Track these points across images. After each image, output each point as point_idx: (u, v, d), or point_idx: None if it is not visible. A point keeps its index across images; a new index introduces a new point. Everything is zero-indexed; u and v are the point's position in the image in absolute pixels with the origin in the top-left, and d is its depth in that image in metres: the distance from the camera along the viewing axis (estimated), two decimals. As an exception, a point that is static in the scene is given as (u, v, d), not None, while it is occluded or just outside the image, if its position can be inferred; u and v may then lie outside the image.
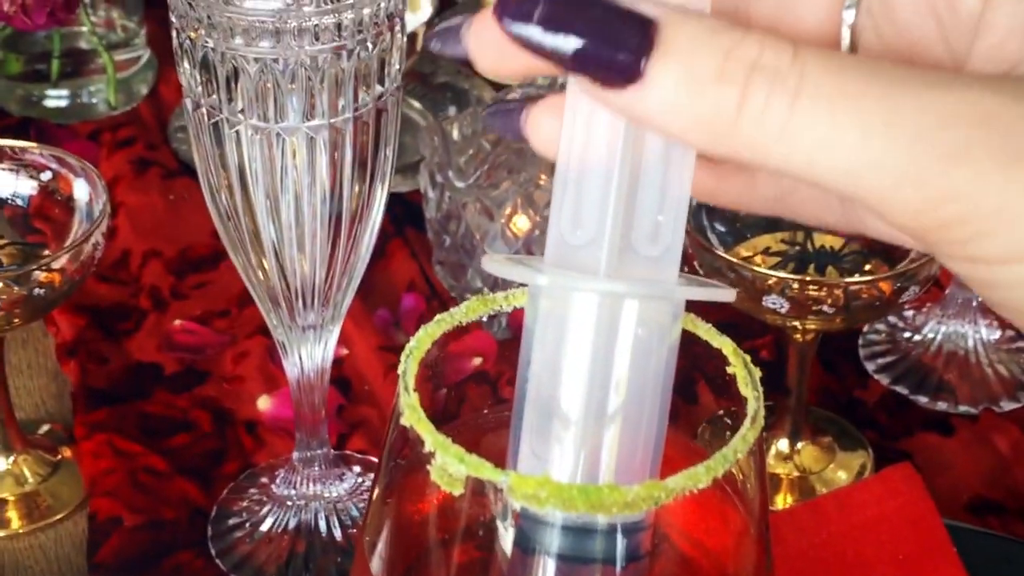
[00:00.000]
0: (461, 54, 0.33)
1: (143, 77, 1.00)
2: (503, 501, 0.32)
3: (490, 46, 0.32)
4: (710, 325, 0.35)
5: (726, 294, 0.31)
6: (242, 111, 0.55)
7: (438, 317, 0.35)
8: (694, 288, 0.31)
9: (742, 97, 0.28)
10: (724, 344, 0.34)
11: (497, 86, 0.97)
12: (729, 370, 0.34)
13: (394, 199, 0.89)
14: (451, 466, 0.31)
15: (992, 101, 0.29)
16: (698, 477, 0.31)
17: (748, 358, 0.34)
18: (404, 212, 0.89)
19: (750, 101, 0.29)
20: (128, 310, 0.81)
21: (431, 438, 0.31)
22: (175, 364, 0.78)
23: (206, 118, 0.56)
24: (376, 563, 0.35)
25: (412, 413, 0.32)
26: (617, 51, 0.28)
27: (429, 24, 0.96)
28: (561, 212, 0.31)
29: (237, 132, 0.56)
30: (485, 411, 0.38)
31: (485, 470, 0.31)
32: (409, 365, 0.34)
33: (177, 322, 0.80)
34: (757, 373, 0.34)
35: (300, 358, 0.64)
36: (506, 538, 0.32)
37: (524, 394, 0.32)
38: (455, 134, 0.82)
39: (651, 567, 0.34)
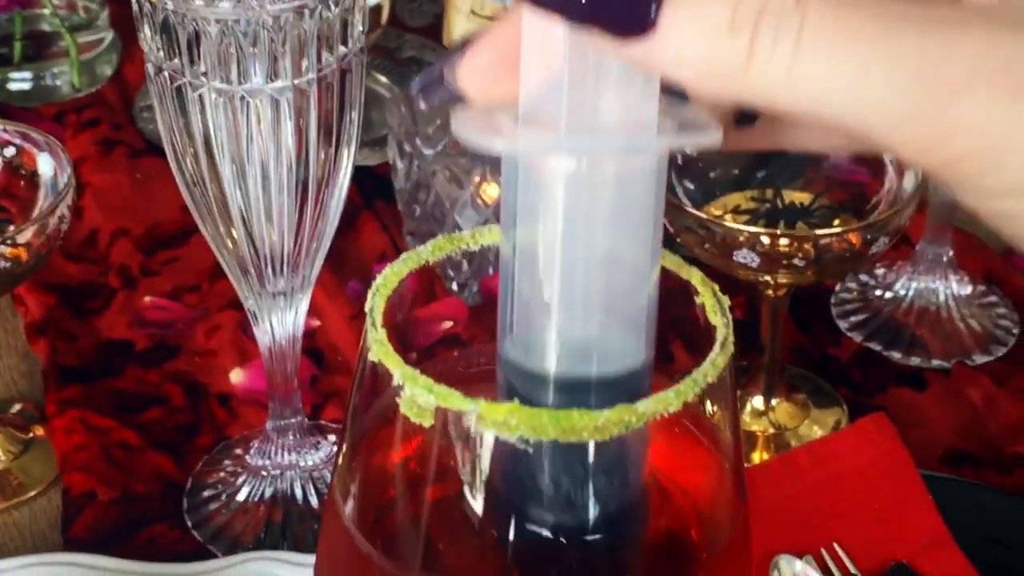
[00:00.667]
0: (451, 97, 0.33)
1: (107, 59, 1.00)
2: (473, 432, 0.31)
3: (477, 76, 0.32)
4: (677, 256, 0.35)
5: (710, 136, 0.30)
6: (204, 74, 0.55)
7: (404, 255, 0.35)
8: (673, 137, 0.30)
9: (751, 44, 0.28)
10: (692, 274, 0.34)
11: (463, 57, 0.97)
12: (698, 300, 0.34)
13: (362, 172, 0.88)
14: (420, 397, 0.31)
15: (991, 31, 0.29)
16: (668, 401, 0.31)
17: (716, 287, 0.34)
18: (373, 185, 0.88)
19: (758, 47, 0.28)
20: (97, 288, 0.81)
21: (400, 371, 0.31)
22: (146, 340, 0.77)
23: (169, 83, 0.56)
24: (348, 510, 0.35)
25: (380, 347, 0.32)
26: (630, 2, 0.28)
27: (391, 2, 0.95)
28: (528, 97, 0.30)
29: (200, 96, 0.56)
30: (455, 354, 0.38)
31: (454, 399, 0.30)
32: (376, 302, 0.34)
33: (147, 298, 0.80)
34: (726, 301, 0.34)
35: (271, 326, 0.63)
36: (478, 470, 0.32)
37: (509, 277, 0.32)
38: (422, 105, 0.82)
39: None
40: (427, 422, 0.31)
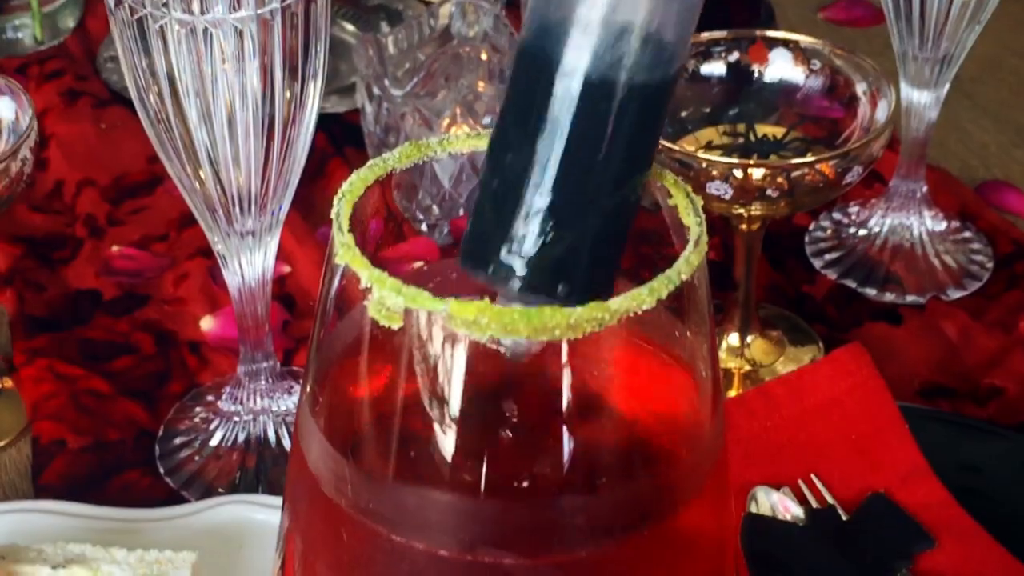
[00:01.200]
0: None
1: (69, 12, 0.98)
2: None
3: None
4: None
5: None
6: (166, 5, 0.54)
7: (371, 162, 0.34)
8: None
9: None
10: (664, 177, 0.34)
11: (428, 4, 0.96)
12: (671, 202, 0.33)
13: (331, 119, 0.87)
14: (389, 299, 0.30)
15: None
16: (642, 298, 0.30)
17: (689, 188, 0.33)
18: (343, 132, 0.87)
19: None
20: (64, 239, 0.80)
21: (367, 272, 0.30)
22: (114, 289, 0.76)
23: (129, 16, 0.55)
24: (321, 424, 0.34)
25: (347, 251, 0.31)
26: None
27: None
28: None
29: (162, 29, 0.55)
30: (424, 267, 0.37)
31: (423, 300, 0.30)
32: (342, 207, 0.33)
33: (115, 248, 0.79)
34: (699, 201, 0.33)
35: (240, 267, 0.63)
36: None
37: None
38: (391, 48, 0.81)
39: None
40: (396, 324, 0.30)
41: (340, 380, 0.34)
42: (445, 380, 0.31)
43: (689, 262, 0.31)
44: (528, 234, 0.30)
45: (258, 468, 0.66)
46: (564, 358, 0.31)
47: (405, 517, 0.31)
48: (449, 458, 0.31)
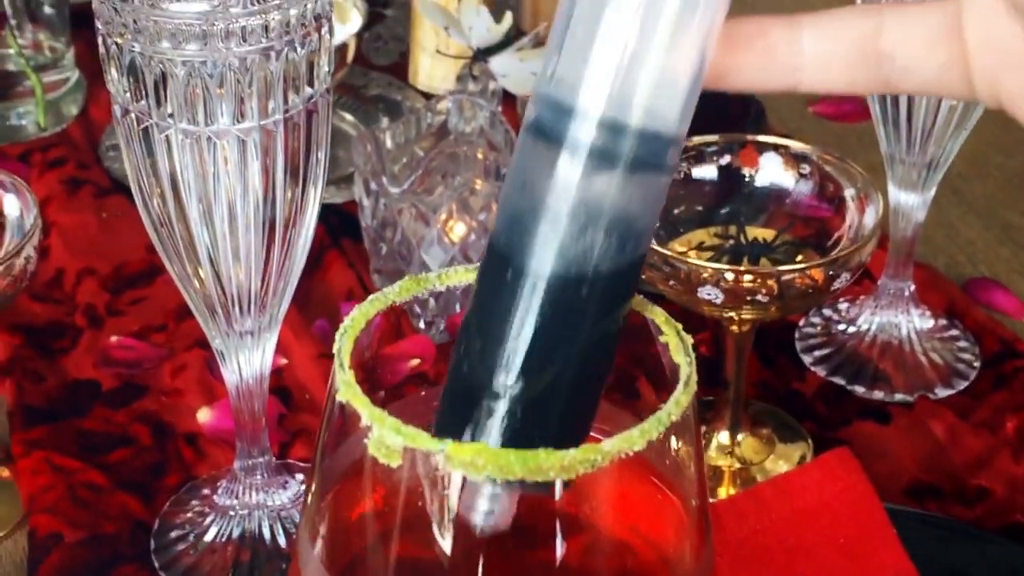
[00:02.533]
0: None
1: (72, 98, 1.00)
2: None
3: None
4: (640, 296, 0.35)
5: None
6: (171, 115, 0.55)
7: (371, 297, 0.36)
8: None
9: None
10: (656, 313, 0.35)
11: (428, 96, 0.97)
12: (661, 339, 0.34)
13: (329, 210, 0.89)
14: (388, 438, 0.31)
15: None
16: (632, 440, 0.31)
17: (680, 326, 0.34)
18: (340, 223, 0.89)
19: None
20: (64, 328, 0.81)
21: (367, 411, 0.31)
22: (113, 380, 0.77)
23: (135, 124, 0.56)
24: (317, 551, 0.35)
25: (348, 389, 0.32)
26: None
27: (359, 35, 0.96)
28: None
29: (167, 137, 0.56)
30: (423, 393, 0.38)
31: (422, 440, 0.31)
32: (344, 343, 0.34)
33: (114, 338, 0.80)
34: (689, 340, 0.34)
35: (239, 365, 0.64)
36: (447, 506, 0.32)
37: None
38: (388, 143, 0.83)
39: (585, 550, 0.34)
40: (395, 463, 0.31)
41: (338, 508, 0.35)
42: (442, 516, 0.32)
43: (679, 403, 0.32)
44: (495, 422, 0.31)
45: (252, 564, 0.66)
46: (559, 492, 0.32)
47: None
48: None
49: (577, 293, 0.30)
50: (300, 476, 0.70)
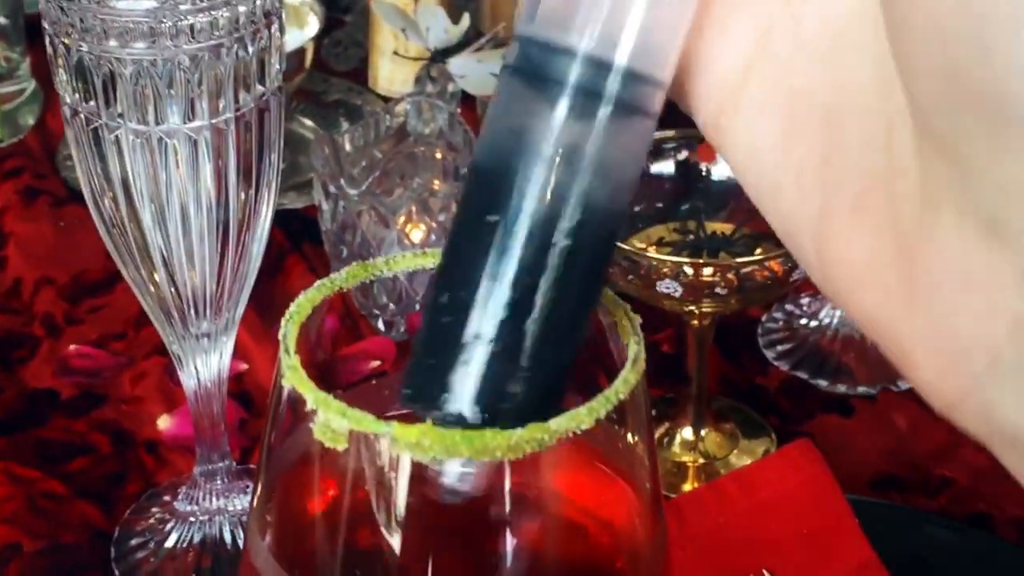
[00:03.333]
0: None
1: (29, 108, 0.99)
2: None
3: None
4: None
5: None
6: (121, 115, 0.55)
7: (318, 283, 0.35)
8: None
9: None
10: (603, 295, 0.34)
11: (388, 100, 0.97)
12: (608, 318, 0.34)
13: (289, 215, 0.88)
14: (334, 422, 0.31)
15: None
16: (580, 418, 0.31)
17: (628, 306, 0.34)
18: (300, 227, 0.88)
19: None
20: (22, 338, 0.80)
21: (312, 395, 0.31)
22: (72, 389, 0.76)
23: (85, 125, 0.56)
24: (267, 543, 0.35)
25: (293, 373, 0.32)
26: None
27: (317, 40, 0.96)
28: None
29: (117, 138, 0.55)
30: (373, 382, 0.38)
31: (367, 423, 0.30)
32: (289, 329, 0.34)
33: (72, 347, 0.79)
34: (637, 320, 0.34)
35: (196, 368, 0.63)
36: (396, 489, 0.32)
37: None
38: (347, 145, 0.82)
39: (542, 534, 0.34)
40: (341, 446, 0.31)
41: (287, 497, 0.35)
42: (390, 499, 0.32)
43: (627, 381, 0.32)
44: (470, 372, 0.30)
45: (214, 569, 0.66)
46: (507, 475, 0.32)
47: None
48: (394, 577, 0.32)
49: (558, 239, 0.30)
50: (262, 481, 0.70)
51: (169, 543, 0.67)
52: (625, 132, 0.30)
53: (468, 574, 0.32)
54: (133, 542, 0.67)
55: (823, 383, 0.78)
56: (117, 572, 0.66)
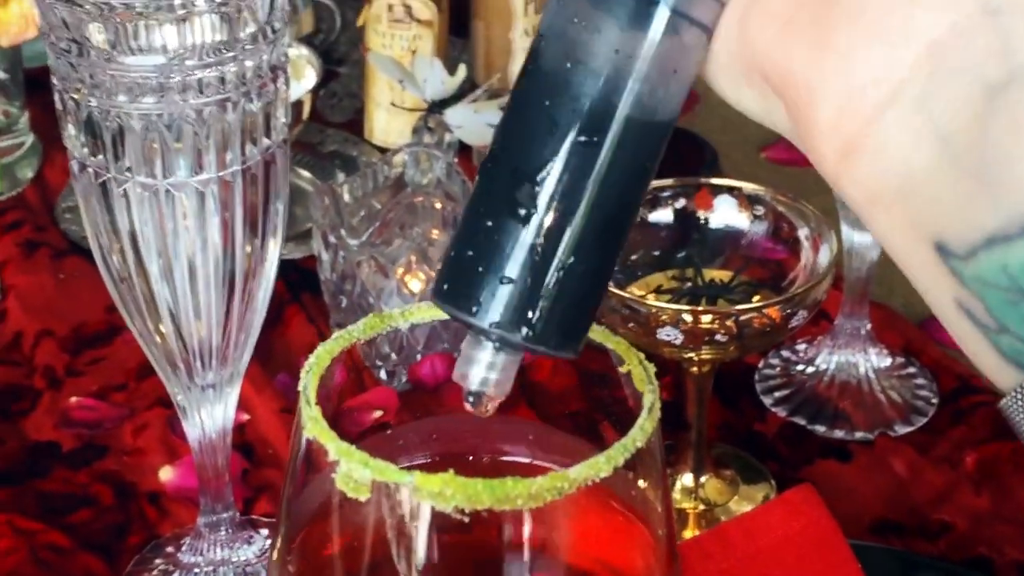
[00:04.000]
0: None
1: (28, 162, 1.00)
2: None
3: None
4: (603, 327, 0.35)
5: None
6: (129, 169, 0.55)
7: (336, 334, 0.36)
8: None
9: None
10: (618, 344, 0.35)
11: (384, 151, 0.98)
12: (623, 368, 0.35)
13: (288, 266, 0.89)
14: (356, 472, 0.31)
15: None
16: (599, 466, 0.31)
17: (643, 355, 0.35)
18: (299, 278, 0.89)
19: None
20: (23, 390, 0.80)
21: (334, 445, 0.32)
22: (73, 440, 0.77)
23: (93, 179, 0.56)
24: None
25: (315, 424, 0.32)
26: None
27: (314, 92, 0.96)
28: None
29: (125, 191, 0.56)
30: (388, 432, 0.39)
31: (390, 472, 0.31)
32: (309, 380, 0.34)
33: (73, 399, 0.79)
34: (652, 369, 0.34)
35: (201, 419, 0.63)
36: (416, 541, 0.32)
37: None
38: (346, 197, 0.83)
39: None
40: (363, 496, 0.31)
41: (308, 544, 0.35)
42: (411, 548, 0.32)
43: (644, 429, 0.32)
44: (518, 251, 0.31)
45: (218, 620, 0.66)
46: (526, 523, 0.32)
47: None
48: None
49: (612, 131, 0.31)
50: (265, 531, 0.70)
51: (173, 596, 0.67)
52: (678, 41, 0.32)
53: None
54: (137, 594, 0.68)
55: (821, 428, 0.78)
56: (121, 624, 0.66)
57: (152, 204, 0.56)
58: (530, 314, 0.31)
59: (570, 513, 0.34)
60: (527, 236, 0.31)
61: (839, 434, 0.78)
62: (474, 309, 0.31)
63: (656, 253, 0.72)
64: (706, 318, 0.65)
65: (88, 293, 0.86)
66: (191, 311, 0.60)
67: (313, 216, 0.81)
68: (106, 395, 0.80)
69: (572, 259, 0.31)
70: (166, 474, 0.75)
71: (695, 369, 0.69)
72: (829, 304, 0.84)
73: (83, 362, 0.82)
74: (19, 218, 0.94)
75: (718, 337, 0.65)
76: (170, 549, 0.70)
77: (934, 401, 0.80)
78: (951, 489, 0.73)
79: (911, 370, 0.82)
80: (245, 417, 0.78)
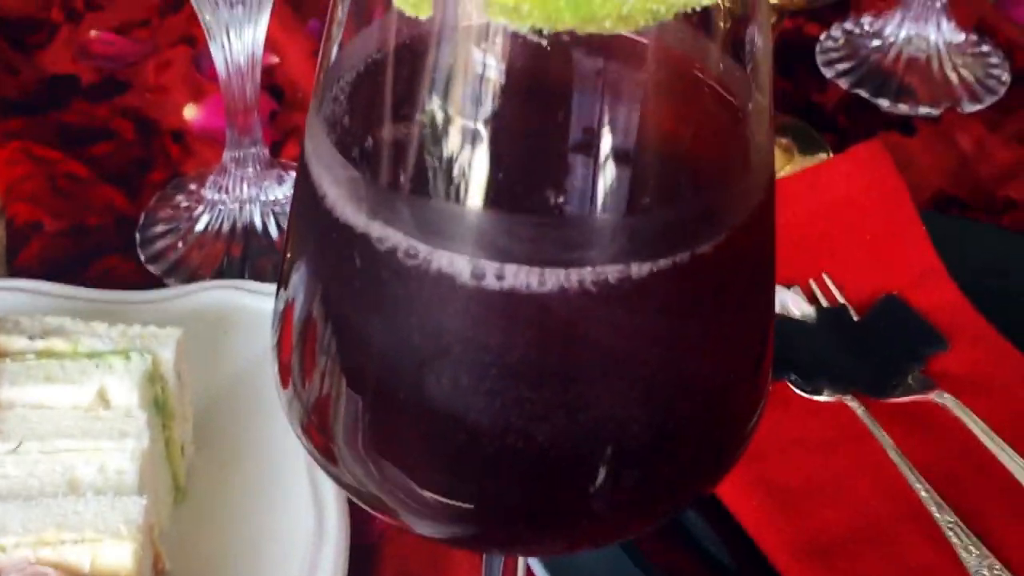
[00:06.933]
0: None
1: None
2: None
3: None
4: None
5: None
6: None
7: None
8: None
9: None
10: None
11: None
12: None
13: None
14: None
15: None
16: (701, -9, 0.27)
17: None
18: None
19: None
20: (38, 23, 0.76)
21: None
22: (93, 74, 0.72)
23: None
24: (335, 138, 0.31)
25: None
26: None
27: None
28: None
29: None
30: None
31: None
32: None
33: (93, 32, 0.75)
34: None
35: (228, 41, 0.59)
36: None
37: None
38: None
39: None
40: (424, 14, 0.27)
41: (357, 89, 0.31)
42: (476, 81, 0.28)
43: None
44: None
45: (244, 256, 0.63)
46: (607, 63, 0.28)
47: (426, 234, 0.29)
48: (481, 167, 0.28)
49: None
50: (295, 174, 0.66)
51: (197, 229, 0.64)
52: None
53: (560, 165, 0.29)
54: (159, 228, 0.64)
55: (884, 102, 0.74)
56: (142, 257, 0.63)
57: None
58: None
59: (657, 63, 0.29)
60: None
61: (903, 108, 0.74)
62: None
63: None
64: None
65: (109, -73, 0.80)
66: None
67: None
68: (128, 31, 0.75)
69: None
70: (190, 112, 0.71)
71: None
72: (902, -26, 0.78)
73: (103, -3, 0.78)
74: None
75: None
76: (193, 186, 0.66)
77: (1006, 79, 0.75)
78: (1019, 166, 0.69)
79: (984, 48, 0.77)
80: (275, 60, 0.74)
